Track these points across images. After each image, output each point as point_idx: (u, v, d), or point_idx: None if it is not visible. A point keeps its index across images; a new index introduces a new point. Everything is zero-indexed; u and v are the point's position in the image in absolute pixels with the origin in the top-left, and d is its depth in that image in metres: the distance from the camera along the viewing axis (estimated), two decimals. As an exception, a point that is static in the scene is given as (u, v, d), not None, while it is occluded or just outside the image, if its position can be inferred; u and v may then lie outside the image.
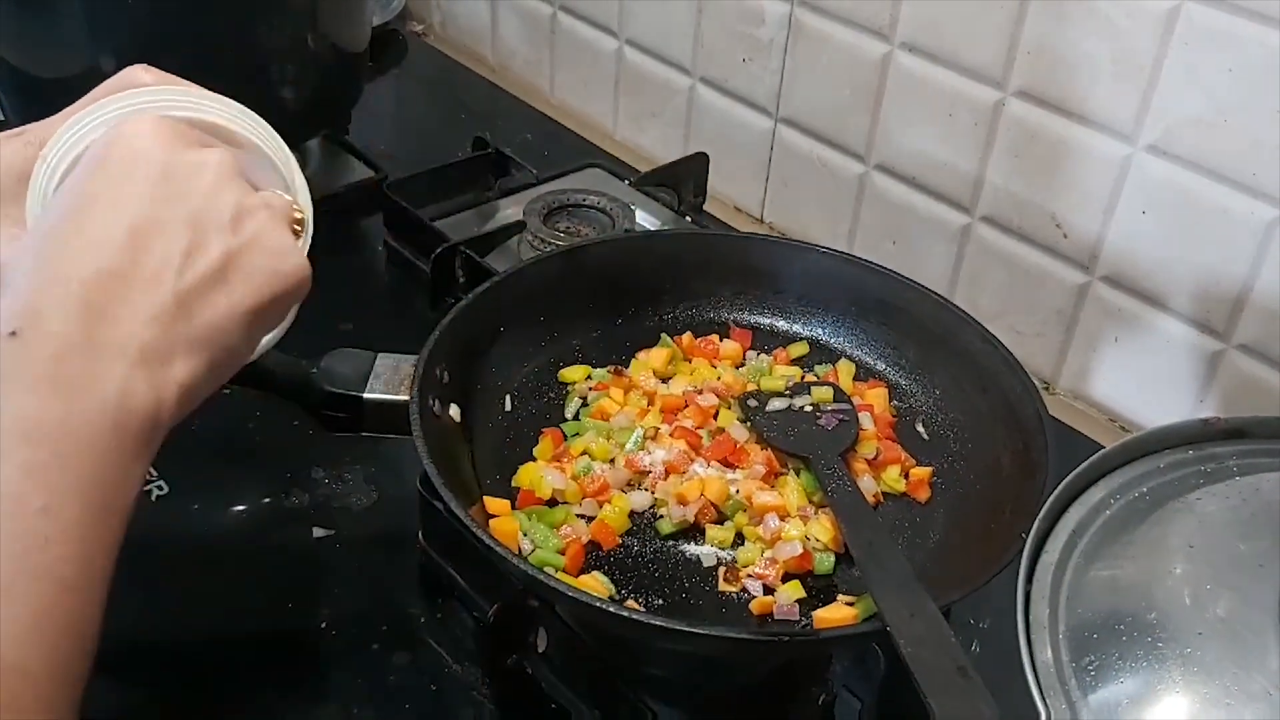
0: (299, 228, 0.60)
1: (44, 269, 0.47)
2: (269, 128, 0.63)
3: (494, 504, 0.72)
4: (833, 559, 0.71)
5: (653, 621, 0.63)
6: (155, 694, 0.72)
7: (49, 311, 0.45)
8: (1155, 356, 0.94)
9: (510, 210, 1.10)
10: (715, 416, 0.80)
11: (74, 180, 0.53)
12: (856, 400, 0.81)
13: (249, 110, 0.63)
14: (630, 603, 0.68)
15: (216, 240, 0.52)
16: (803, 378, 0.84)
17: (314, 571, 0.79)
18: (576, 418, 0.81)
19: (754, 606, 0.69)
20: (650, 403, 0.81)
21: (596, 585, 0.68)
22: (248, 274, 0.53)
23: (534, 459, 0.77)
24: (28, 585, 0.41)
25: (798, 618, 0.68)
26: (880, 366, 0.86)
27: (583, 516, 0.73)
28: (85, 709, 0.45)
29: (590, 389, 0.83)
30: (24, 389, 0.43)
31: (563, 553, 0.70)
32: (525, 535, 0.71)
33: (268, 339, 0.62)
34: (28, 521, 0.42)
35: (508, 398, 0.82)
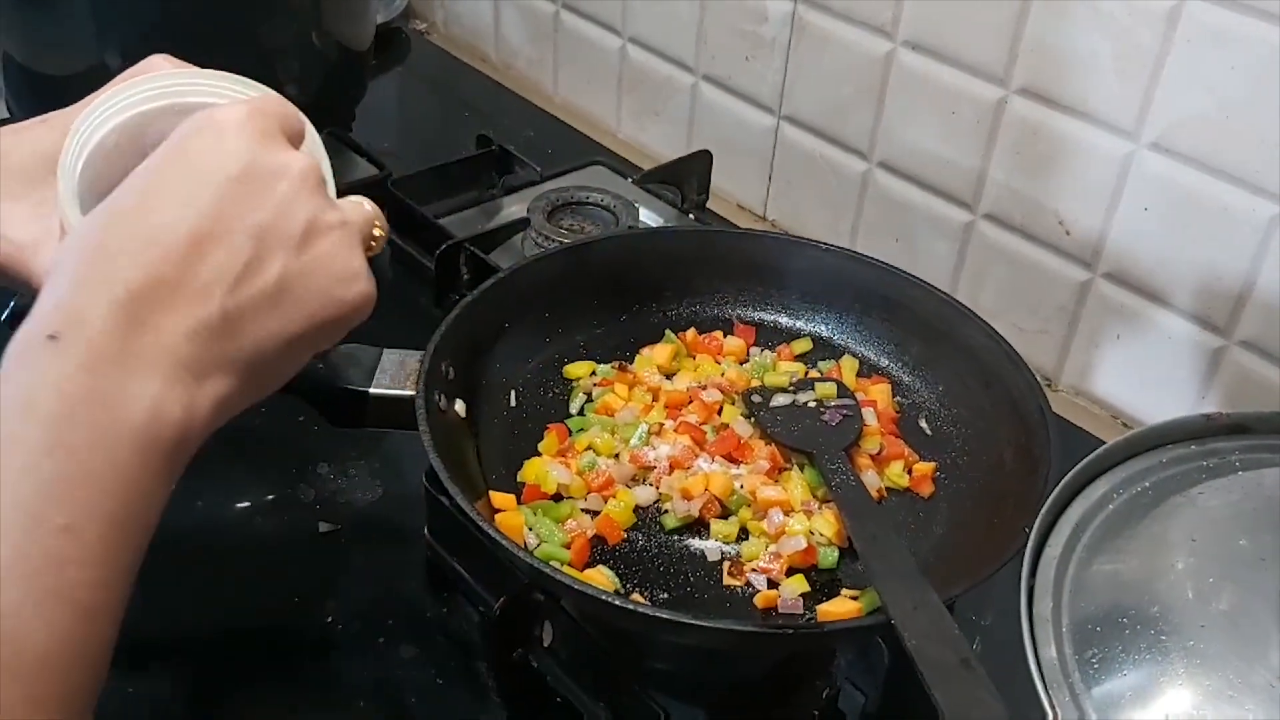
0: (375, 243, 0.57)
1: (96, 265, 0.45)
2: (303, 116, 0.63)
3: (499, 499, 0.73)
4: (836, 553, 0.71)
5: (658, 615, 0.63)
6: (162, 689, 0.72)
7: (91, 316, 0.43)
8: (1157, 353, 0.94)
9: (514, 208, 1.10)
10: (719, 412, 0.80)
11: (152, 162, 0.50)
12: (860, 396, 0.82)
13: (277, 95, 0.62)
14: (635, 597, 0.69)
15: (279, 257, 0.49)
16: (806, 374, 0.85)
17: (320, 566, 0.79)
18: (581, 413, 0.81)
19: (758, 600, 0.69)
20: (654, 398, 0.82)
21: (602, 579, 0.69)
22: (303, 297, 0.50)
23: (539, 454, 0.78)
24: (44, 610, 0.39)
25: (802, 611, 0.68)
26: (883, 362, 0.87)
27: (588, 511, 0.74)
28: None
29: (595, 385, 0.83)
30: (55, 399, 0.42)
31: (568, 547, 0.70)
32: (531, 530, 0.71)
33: None
34: (48, 541, 0.40)
35: (513, 393, 0.82)
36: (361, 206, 0.56)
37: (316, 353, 0.55)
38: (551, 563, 0.67)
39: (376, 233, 0.57)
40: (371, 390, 0.73)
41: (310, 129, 0.62)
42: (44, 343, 0.42)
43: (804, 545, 0.70)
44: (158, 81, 0.60)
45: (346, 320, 0.53)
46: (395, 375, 0.74)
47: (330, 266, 0.51)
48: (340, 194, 1.14)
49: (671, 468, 0.76)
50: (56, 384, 0.42)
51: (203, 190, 0.48)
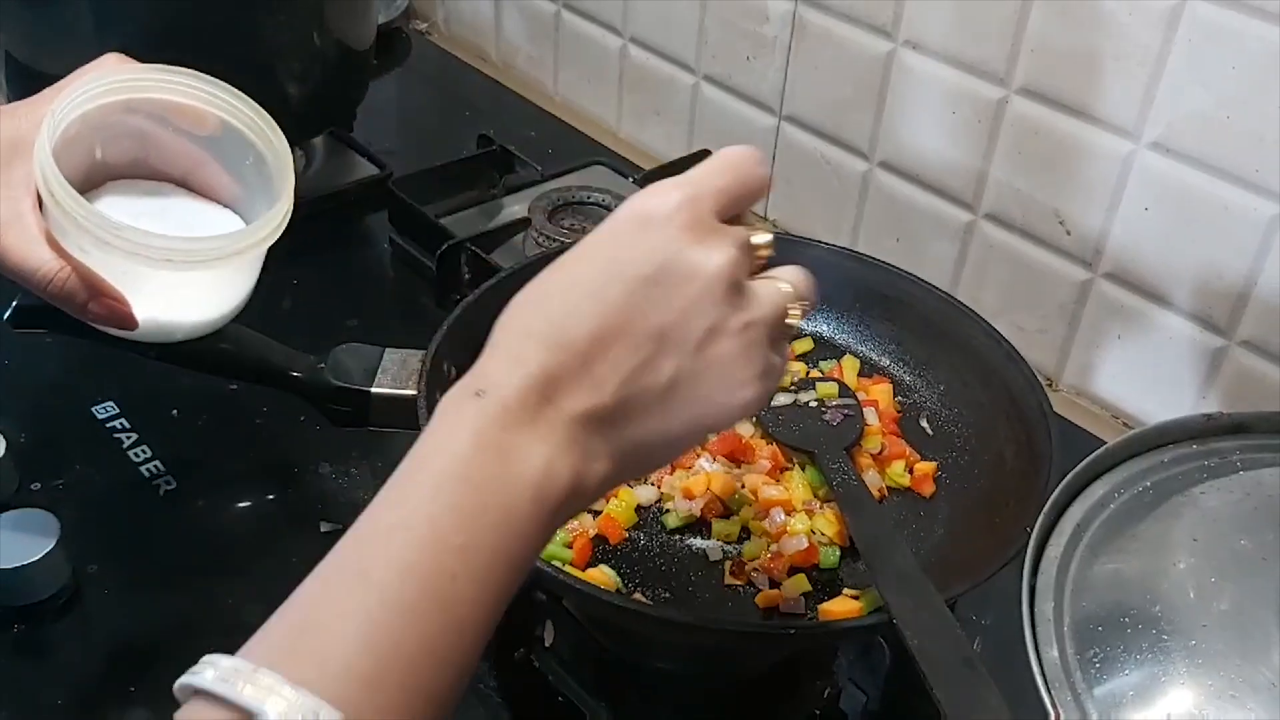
0: (794, 318, 0.54)
1: (518, 344, 0.50)
2: (259, 110, 0.65)
3: (501, 498, 0.73)
4: (838, 553, 0.71)
5: (659, 614, 0.63)
6: (163, 687, 0.72)
7: (507, 385, 0.48)
8: (1158, 352, 0.94)
9: (515, 207, 1.10)
10: (720, 412, 0.80)
11: (585, 244, 0.52)
12: (861, 396, 0.82)
13: (238, 93, 0.65)
14: (637, 596, 0.69)
15: (673, 358, 0.50)
16: (807, 373, 0.84)
17: (321, 566, 0.79)
18: (582, 413, 0.81)
19: (759, 600, 0.69)
20: (656, 398, 0.81)
21: (603, 579, 0.69)
22: (689, 401, 0.51)
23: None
24: (430, 611, 0.43)
25: (803, 611, 0.68)
26: (884, 362, 0.86)
27: (589, 510, 0.73)
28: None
29: (596, 384, 0.83)
30: (472, 442, 0.47)
31: (569, 546, 0.70)
32: (532, 529, 0.71)
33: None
34: (445, 555, 0.44)
35: (514, 393, 0.82)
36: (775, 292, 0.54)
37: (693, 447, 0.56)
38: (553, 562, 0.67)
39: (792, 317, 0.55)
40: (373, 390, 0.73)
41: (254, 122, 0.64)
42: (470, 396, 0.48)
43: (805, 545, 0.70)
44: (117, 76, 0.63)
45: (731, 421, 0.54)
46: (397, 375, 0.74)
47: (724, 372, 0.52)
48: (342, 194, 1.14)
49: (673, 467, 0.76)
50: (472, 429, 0.47)
51: (614, 286, 0.50)
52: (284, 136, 0.66)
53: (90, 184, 0.67)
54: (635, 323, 0.50)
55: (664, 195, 0.51)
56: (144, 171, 0.69)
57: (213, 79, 0.65)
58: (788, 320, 0.54)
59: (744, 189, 0.54)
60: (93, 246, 0.61)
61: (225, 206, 0.70)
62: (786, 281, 0.54)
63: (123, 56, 0.66)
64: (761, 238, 0.53)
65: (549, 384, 0.48)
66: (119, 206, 0.67)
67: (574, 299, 0.50)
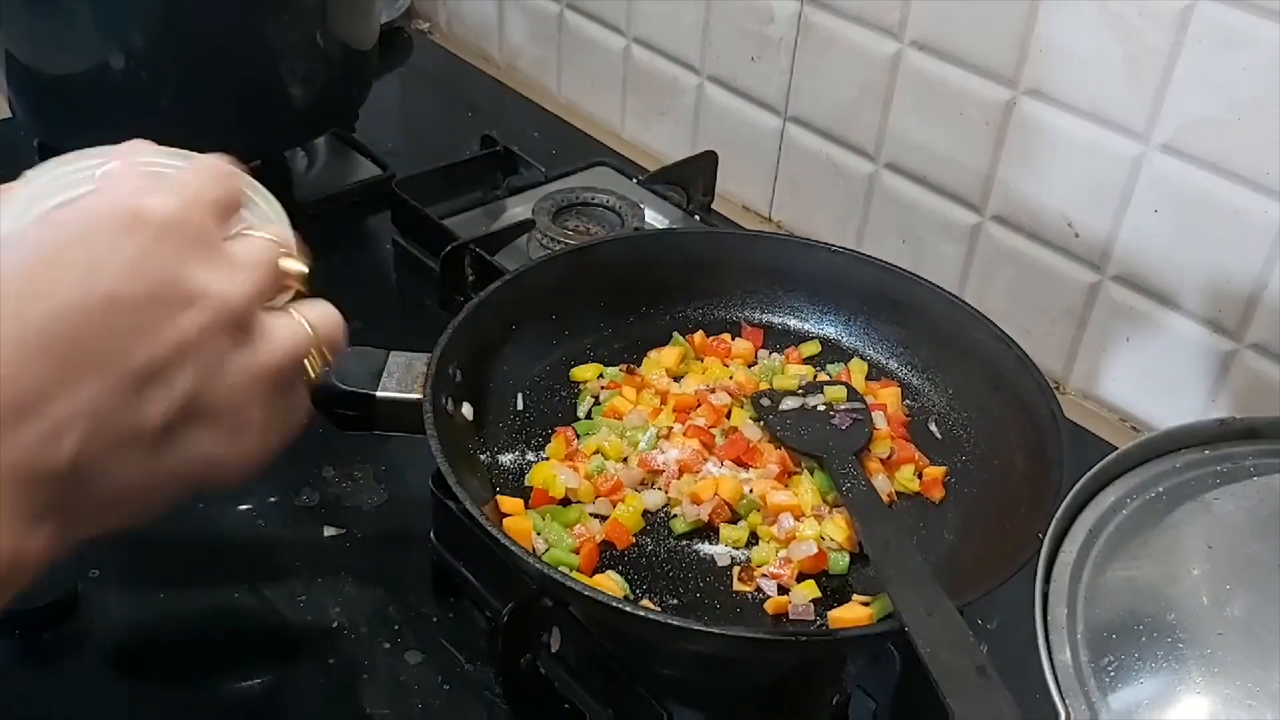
0: (315, 364, 0.48)
1: None
2: (274, 202, 0.57)
3: (507, 503, 0.72)
4: (847, 559, 0.70)
5: (667, 621, 0.62)
6: (166, 693, 0.72)
7: None
8: (1167, 356, 0.94)
9: (519, 209, 1.09)
10: (728, 416, 0.79)
11: (51, 233, 0.42)
12: (869, 399, 0.81)
13: (255, 183, 0.56)
14: (645, 602, 0.68)
15: (161, 403, 0.41)
16: (815, 377, 0.84)
17: (325, 571, 0.79)
18: (589, 416, 0.81)
19: (769, 606, 0.69)
20: (663, 402, 0.81)
21: (611, 585, 0.68)
22: (176, 455, 0.42)
23: (546, 458, 0.77)
24: None
25: (813, 618, 0.67)
26: (892, 365, 0.86)
27: (596, 516, 0.73)
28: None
29: (602, 388, 0.83)
30: None
31: (576, 552, 0.70)
32: (539, 534, 0.71)
33: None
34: None
35: (519, 396, 0.82)
36: (293, 333, 0.46)
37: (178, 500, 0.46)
38: (560, 568, 0.66)
39: (309, 364, 0.47)
40: (378, 393, 0.73)
41: (261, 195, 0.55)
42: None
43: (815, 550, 0.70)
44: (133, 158, 0.54)
45: (228, 479, 0.46)
46: (402, 378, 0.73)
47: (223, 422, 0.43)
48: (344, 195, 1.13)
49: (680, 472, 0.75)
50: None
51: (94, 306, 0.39)
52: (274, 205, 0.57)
53: None
54: (116, 355, 0.39)
55: (160, 196, 0.42)
56: None
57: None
58: (305, 366, 0.46)
59: (230, 204, 0.46)
60: None
61: None
62: (309, 322, 0.46)
63: (151, 143, 0.56)
64: (293, 266, 0.45)
65: None
66: None
67: (35, 318, 0.38)
